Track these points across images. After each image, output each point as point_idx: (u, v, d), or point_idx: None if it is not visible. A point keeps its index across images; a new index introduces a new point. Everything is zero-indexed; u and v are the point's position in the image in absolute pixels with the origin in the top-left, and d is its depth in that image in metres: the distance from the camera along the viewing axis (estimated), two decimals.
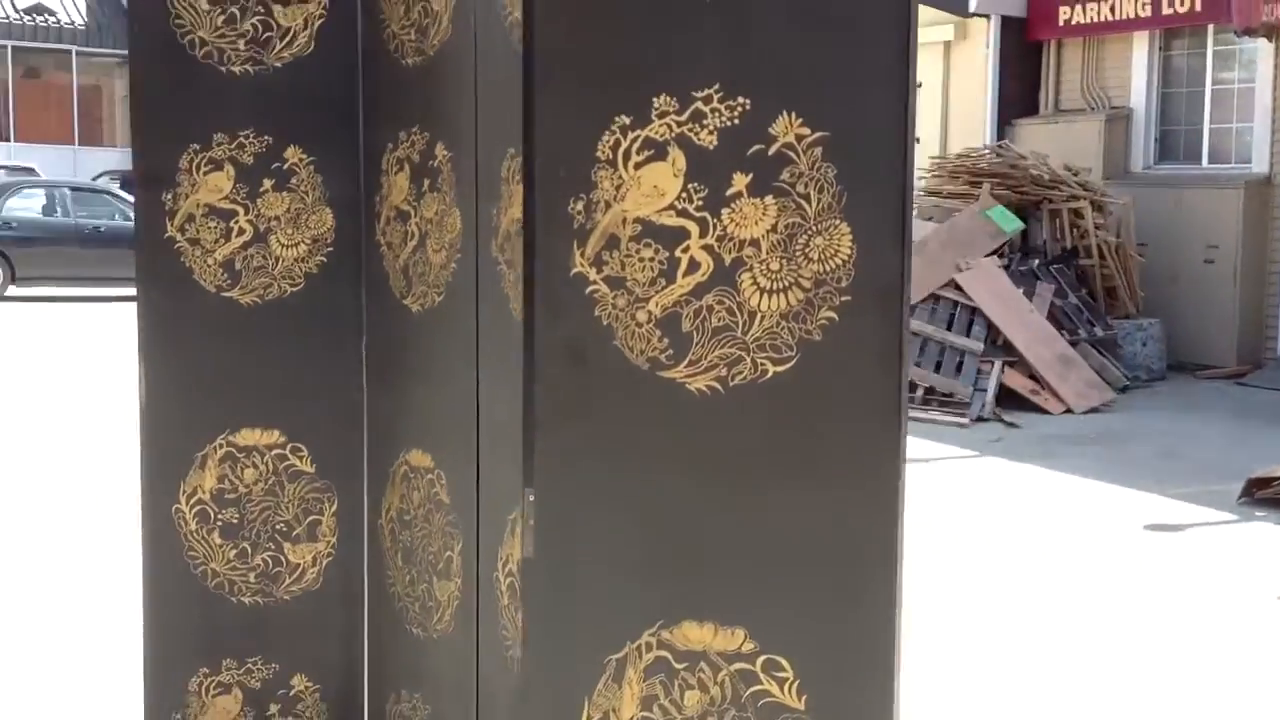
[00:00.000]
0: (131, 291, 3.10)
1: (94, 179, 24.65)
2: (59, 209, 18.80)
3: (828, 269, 1.85)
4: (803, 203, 1.87)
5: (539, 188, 1.91)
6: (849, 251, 1.84)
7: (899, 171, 1.88)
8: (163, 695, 2.96)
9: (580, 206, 1.90)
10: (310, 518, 2.92)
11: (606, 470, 1.88)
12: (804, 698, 1.83)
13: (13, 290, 17.56)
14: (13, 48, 29.41)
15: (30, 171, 24.17)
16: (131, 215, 13.88)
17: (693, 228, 1.89)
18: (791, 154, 1.87)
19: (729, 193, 1.88)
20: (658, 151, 1.90)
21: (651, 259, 1.89)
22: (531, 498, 1.89)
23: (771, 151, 1.87)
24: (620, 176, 1.90)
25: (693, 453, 1.87)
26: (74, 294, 17.74)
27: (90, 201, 19.34)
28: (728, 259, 1.87)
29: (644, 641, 1.85)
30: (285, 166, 2.90)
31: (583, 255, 1.89)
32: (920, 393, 9.41)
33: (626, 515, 1.88)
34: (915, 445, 5.82)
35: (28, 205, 18.93)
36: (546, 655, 1.89)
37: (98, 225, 18.60)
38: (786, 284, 1.85)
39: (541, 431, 1.89)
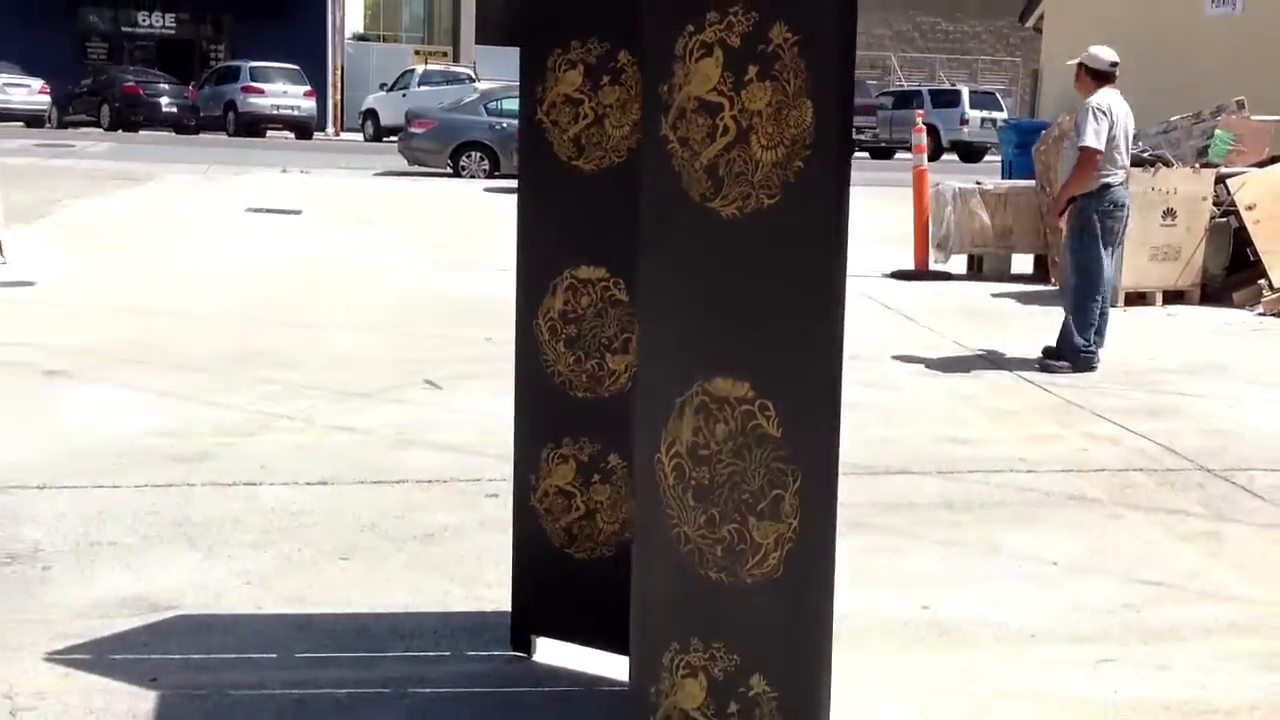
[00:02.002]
0: None
1: None
2: None
3: (799, 132, 2.61)
4: (786, 85, 2.65)
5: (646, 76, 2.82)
6: (811, 119, 2.59)
7: (843, 62, 2.60)
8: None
9: (665, 88, 2.78)
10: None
11: (678, 268, 2.76)
12: (780, 429, 2.62)
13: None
14: None
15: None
16: None
17: (725, 103, 2.72)
18: (781, 52, 2.66)
19: (745, 79, 2.70)
20: (708, 50, 2.75)
21: (702, 125, 2.74)
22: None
23: (769, 50, 2.67)
24: (687, 67, 2.77)
25: (721, 255, 2.70)
26: None
27: None
28: (744, 125, 2.68)
29: (694, 389, 2.72)
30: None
31: (666, 123, 2.78)
32: None
33: (690, 298, 2.74)
34: None
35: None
36: (645, 395, 2.82)
37: None
38: (776, 143, 2.64)
39: (643, 251, 2.82)
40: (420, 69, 37.52)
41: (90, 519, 5.32)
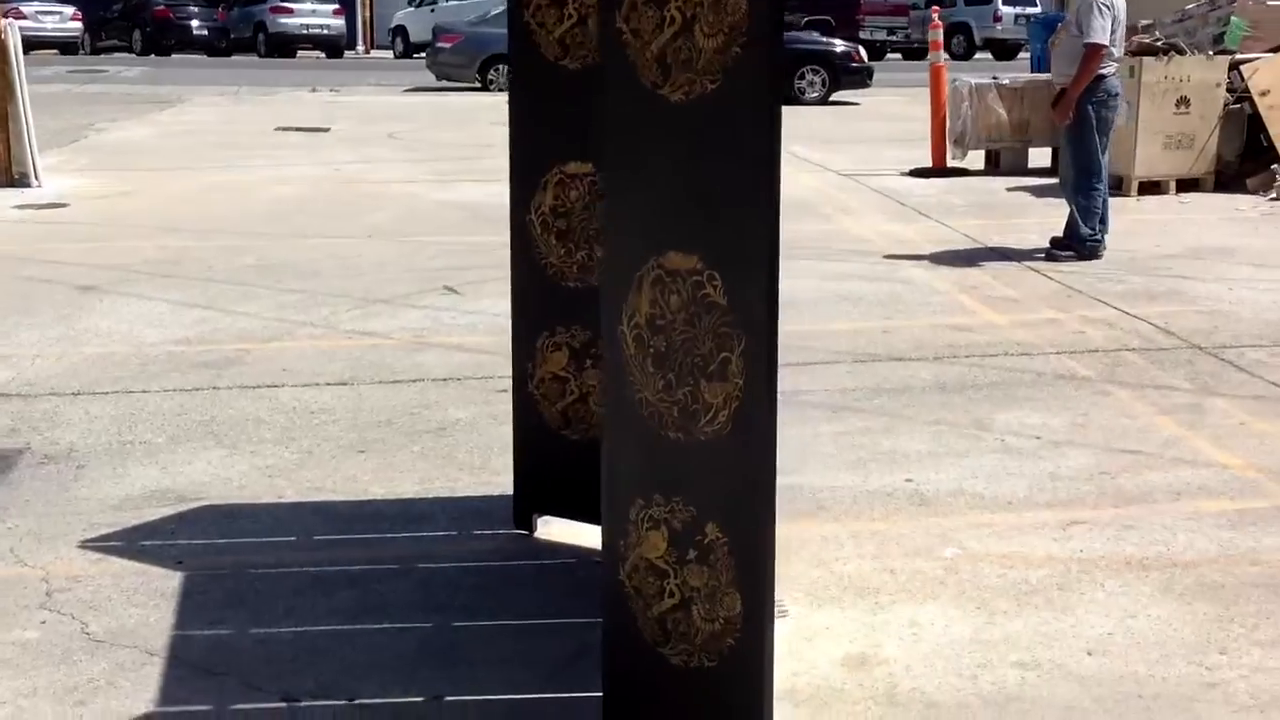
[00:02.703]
0: None
1: None
2: None
3: (736, 19, 2.77)
4: None
5: None
6: (745, 7, 2.75)
7: None
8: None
9: None
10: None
11: (636, 151, 2.94)
12: (725, 297, 2.81)
13: None
14: None
15: None
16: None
17: None
18: None
19: None
20: None
21: (651, 16, 2.91)
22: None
23: None
24: None
25: (671, 138, 2.89)
26: None
27: None
28: (688, 15, 2.85)
29: (650, 264, 2.93)
30: None
31: (620, 16, 2.95)
32: None
33: (647, 180, 2.94)
34: None
35: None
36: (607, 271, 3.02)
37: None
38: (716, 30, 2.81)
39: (604, 137, 3.01)
40: None
41: (121, 421, 5.62)
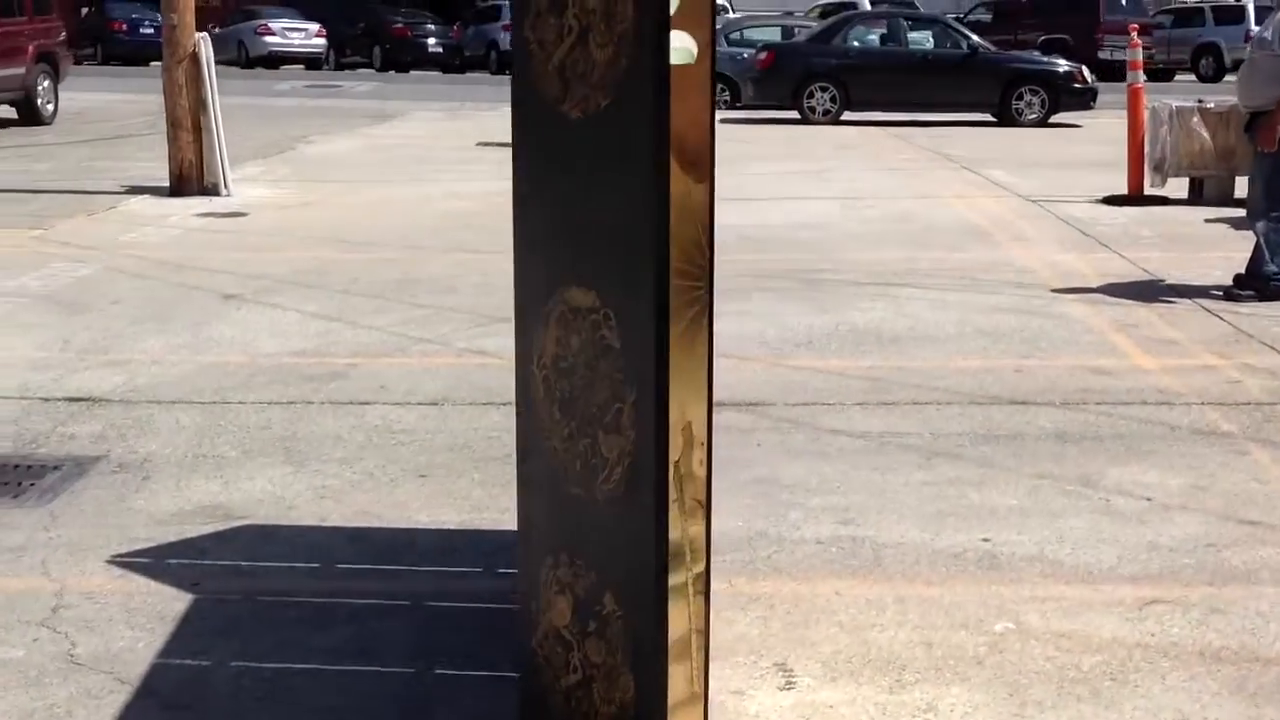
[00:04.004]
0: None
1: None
2: (896, 38, 20.75)
3: (625, 28, 2.43)
4: None
5: None
6: (633, 14, 2.40)
7: None
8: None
9: None
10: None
11: (541, 174, 2.66)
12: (620, 340, 2.50)
13: (846, 115, 19.73)
14: None
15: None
16: (963, 43, 15.81)
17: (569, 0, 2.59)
18: None
19: None
20: None
21: (553, 25, 2.62)
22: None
23: None
24: None
25: (571, 158, 2.59)
26: (896, 118, 19.64)
27: (926, 30, 21.10)
28: (584, 23, 2.55)
29: (555, 299, 2.64)
30: None
31: (527, 23, 2.68)
32: None
33: (551, 206, 2.65)
34: None
35: (865, 35, 21.13)
36: (519, 304, 2.75)
37: (927, 53, 20.23)
38: (607, 40, 2.50)
39: (514, 157, 2.74)
40: None
41: (205, 432, 5.58)
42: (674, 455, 2.88)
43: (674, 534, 2.86)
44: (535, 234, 2.64)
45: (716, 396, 5.89)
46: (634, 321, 2.38)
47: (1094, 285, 8.31)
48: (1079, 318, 7.48)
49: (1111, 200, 11.56)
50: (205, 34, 12.32)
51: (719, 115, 17.36)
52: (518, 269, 2.74)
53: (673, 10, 2.68)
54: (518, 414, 2.76)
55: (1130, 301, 7.87)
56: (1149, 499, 4.74)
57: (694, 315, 2.85)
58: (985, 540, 4.40)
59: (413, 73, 34.52)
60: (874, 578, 4.15)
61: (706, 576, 2.59)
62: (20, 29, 18.52)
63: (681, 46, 2.73)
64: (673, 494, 2.86)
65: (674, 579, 2.47)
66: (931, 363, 6.52)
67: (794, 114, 20.58)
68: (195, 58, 11.84)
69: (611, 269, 2.42)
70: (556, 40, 2.55)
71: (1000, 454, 5.24)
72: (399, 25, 35.32)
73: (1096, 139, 18.17)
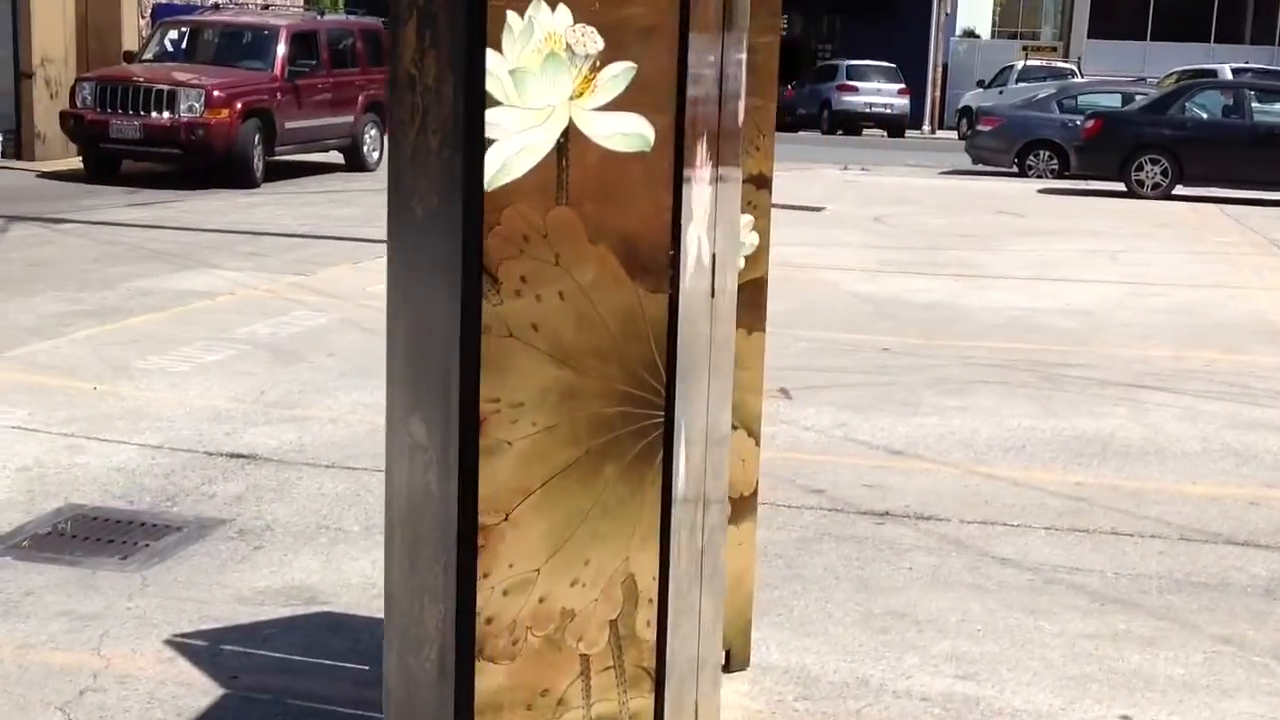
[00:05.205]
0: None
1: None
2: (1241, 109, 19.07)
3: (446, 113, 1.98)
4: (440, 53, 2.06)
5: None
6: (452, 96, 1.95)
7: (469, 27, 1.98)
8: None
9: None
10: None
11: (403, 278, 2.23)
12: (439, 484, 2.04)
13: (1179, 189, 18.28)
14: None
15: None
16: None
17: (417, 75, 2.17)
18: (438, 12, 2.08)
19: (425, 44, 2.14)
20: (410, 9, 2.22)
21: (408, 103, 2.17)
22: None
23: (433, 7, 2.10)
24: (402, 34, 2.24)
25: (419, 264, 2.15)
26: (1234, 196, 18.09)
27: (1277, 102, 19.31)
28: (425, 104, 2.11)
29: (405, 427, 2.21)
30: None
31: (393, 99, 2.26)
32: None
33: (405, 317, 2.22)
34: None
35: (1206, 104, 19.49)
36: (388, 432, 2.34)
37: (1274, 126, 18.48)
38: (439, 128, 2.06)
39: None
40: (1020, 64, 36.26)
41: (340, 502, 5.39)
42: (610, 614, 2.42)
43: (606, 708, 2.40)
44: (395, 346, 2.24)
45: (884, 504, 5.34)
46: (446, 465, 1.94)
47: None
48: None
49: None
50: None
51: (1038, 185, 16.56)
52: (387, 386, 2.35)
53: (620, 89, 2.24)
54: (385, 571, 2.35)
55: None
56: None
57: (642, 450, 2.40)
58: (1123, 718, 3.66)
59: None
60: None
61: None
62: (352, 80, 19.40)
63: (633, 132, 2.28)
64: (607, 661, 2.41)
65: None
66: (1153, 484, 5.69)
67: (1120, 186, 19.32)
68: None
69: (436, 399, 1.99)
70: (409, 121, 2.17)
71: (1188, 606, 4.43)
72: None
73: None
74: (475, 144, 1.93)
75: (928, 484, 5.64)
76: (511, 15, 2.16)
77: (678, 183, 2.30)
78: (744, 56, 3.12)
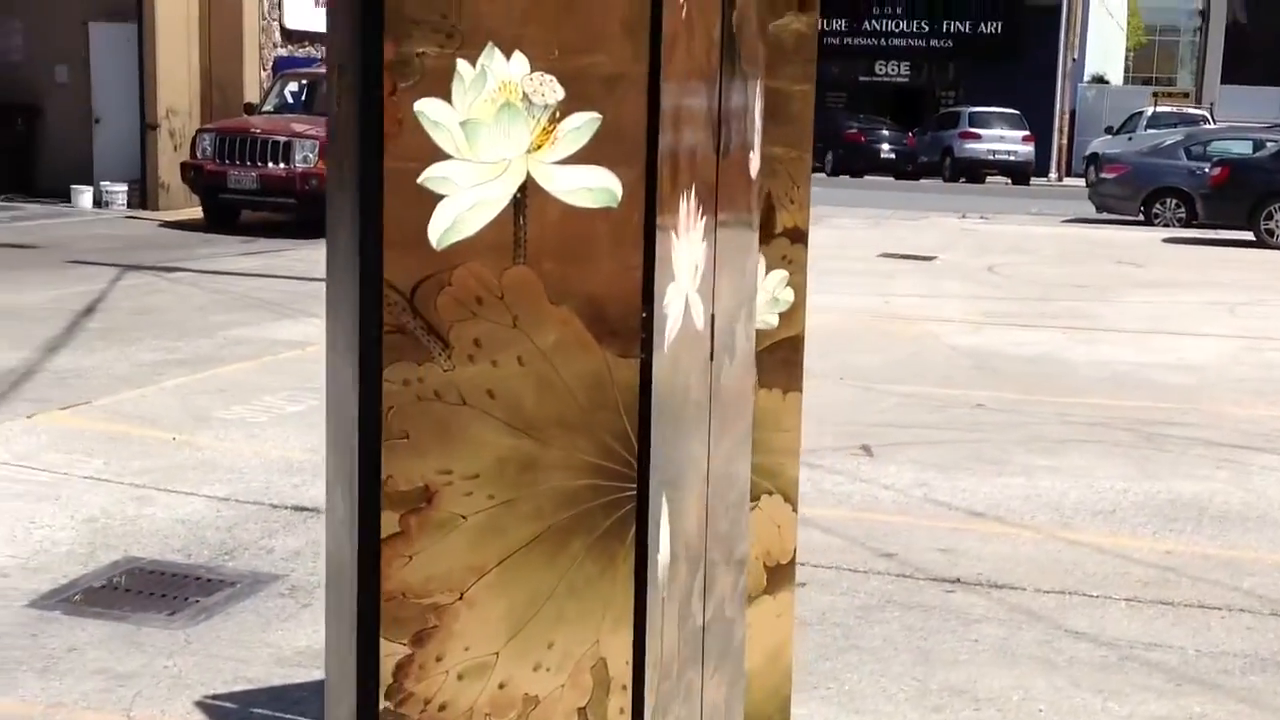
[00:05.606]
0: None
1: None
2: None
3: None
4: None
5: None
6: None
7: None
8: None
9: None
10: None
11: None
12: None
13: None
14: None
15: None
16: None
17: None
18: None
19: None
20: None
21: None
22: None
23: None
24: None
25: None
26: None
27: None
28: None
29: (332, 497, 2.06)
30: None
31: None
32: None
33: None
34: None
35: None
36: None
37: None
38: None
39: None
40: (1150, 110, 35.47)
41: None
42: (578, 701, 2.26)
43: None
44: (328, 413, 2.12)
45: (956, 571, 5.09)
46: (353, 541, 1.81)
47: None
48: None
49: None
50: None
51: (1164, 234, 16.13)
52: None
53: (583, 141, 2.11)
54: None
55: None
56: None
57: (613, 524, 2.24)
58: None
59: (866, 178, 34.26)
60: None
61: None
62: None
63: (598, 186, 2.14)
64: None
65: None
66: (1249, 553, 5.36)
67: (1249, 235, 18.71)
68: None
69: (350, 469, 1.87)
70: (332, 171, 2.05)
71: (1272, 688, 4.12)
72: (853, 131, 35.24)
73: None
74: (370, 199, 1.81)
75: (1006, 549, 5.38)
76: (462, 64, 2.04)
77: (649, 240, 2.15)
78: (756, 103, 2.97)
